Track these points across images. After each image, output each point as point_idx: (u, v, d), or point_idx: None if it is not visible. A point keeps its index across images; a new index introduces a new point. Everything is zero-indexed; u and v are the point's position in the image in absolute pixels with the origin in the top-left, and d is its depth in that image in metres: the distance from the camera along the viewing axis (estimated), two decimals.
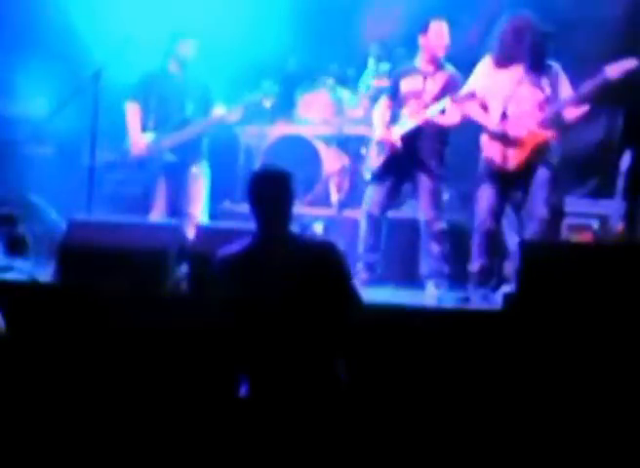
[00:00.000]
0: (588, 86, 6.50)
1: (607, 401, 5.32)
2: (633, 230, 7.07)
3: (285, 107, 8.92)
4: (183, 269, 6.07)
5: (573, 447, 5.30)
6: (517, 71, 6.72)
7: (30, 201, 7.86)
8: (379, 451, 5.30)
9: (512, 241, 6.80)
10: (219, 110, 7.59)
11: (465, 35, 7.67)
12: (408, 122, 7.09)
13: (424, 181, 7.03)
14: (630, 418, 5.29)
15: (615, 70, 6.38)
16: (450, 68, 7.08)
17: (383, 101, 7.32)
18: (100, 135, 7.18)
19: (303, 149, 8.49)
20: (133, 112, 7.54)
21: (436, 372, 5.49)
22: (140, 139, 7.50)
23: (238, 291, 4.35)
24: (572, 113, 6.65)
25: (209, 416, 5.40)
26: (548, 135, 6.70)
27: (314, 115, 8.85)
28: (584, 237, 7.26)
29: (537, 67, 6.69)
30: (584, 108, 6.63)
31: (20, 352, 5.57)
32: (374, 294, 6.47)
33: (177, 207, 7.56)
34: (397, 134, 7.10)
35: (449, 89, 6.95)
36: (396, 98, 7.22)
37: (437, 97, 6.97)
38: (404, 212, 7.76)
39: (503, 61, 6.75)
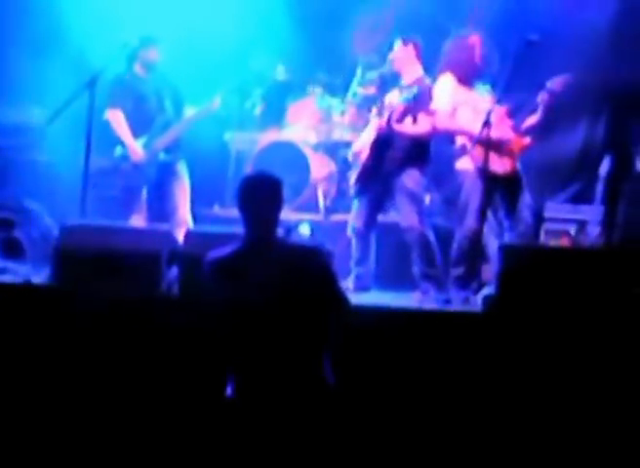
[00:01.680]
0: (541, 97, 6.85)
1: (584, 399, 5.42)
2: (610, 234, 7.24)
3: (274, 115, 9.07)
4: (174, 272, 6.14)
5: (551, 444, 5.40)
6: (479, 85, 7.01)
7: (26, 206, 7.88)
8: (363, 451, 5.37)
9: (492, 245, 6.93)
10: (191, 110, 7.67)
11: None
12: (370, 132, 7.23)
13: (400, 191, 7.07)
14: (607, 416, 5.40)
15: (555, 83, 6.83)
16: (427, 80, 7.13)
17: (373, 123, 7.33)
18: (93, 141, 7.15)
19: (292, 155, 8.59)
20: (118, 120, 7.53)
21: (417, 373, 5.57)
22: (136, 146, 7.53)
23: (226, 294, 4.39)
24: (529, 122, 6.97)
25: (196, 416, 5.48)
26: (529, 140, 6.95)
27: (303, 122, 8.98)
28: (562, 242, 7.39)
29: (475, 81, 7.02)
30: (536, 118, 6.92)
31: (14, 353, 5.73)
32: (358, 297, 6.56)
33: (161, 209, 7.61)
34: (366, 145, 7.24)
35: (421, 100, 7.00)
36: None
37: (409, 109, 7.04)
38: (392, 216, 7.73)
39: (464, 77, 6.98)
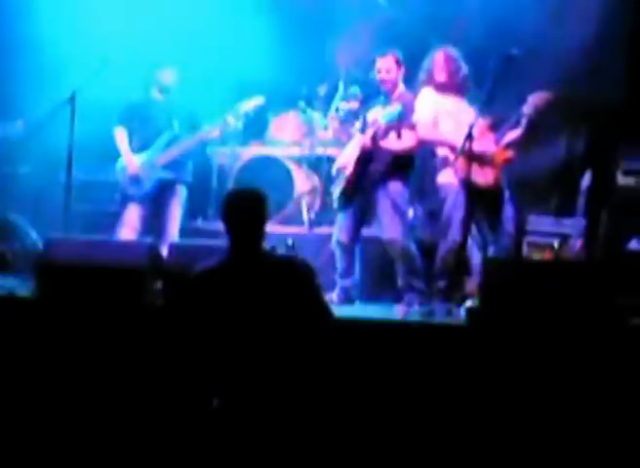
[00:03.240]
0: (523, 113, 6.93)
1: (568, 410, 5.47)
2: (591, 247, 7.31)
3: (257, 129, 9.09)
4: (158, 285, 6.17)
5: (530, 453, 5.44)
6: (457, 99, 7.09)
7: (10, 219, 7.96)
8: (349, 461, 5.40)
9: (476, 258, 7.01)
10: (207, 127, 7.83)
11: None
12: (354, 148, 7.27)
13: (383, 204, 7.12)
14: (587, 425, 5.44)
15: (536, 99, 6.90)
16: (408, 95, 7.20)
17: (356, 137, 7.38)
18: (78, 154, 7.29)
19: (275, 169, 8.65)
20: (120, 136, 7.79)
21: (400, 384, 5.61)
22: (133, 159, 7.73)
23: (209, 306, 4.43)
24: (510, 136, 7.04)
25: (179, 427, 5.45)
26: (512, 153, 7.02)
27: (286, 136, 9.03)
28: (545, 255, 7.45)
29: (465, 96, 7.10)
30: (520, 132, 7.00)
31: None
32: (342, 310, 6.60)
33: (153, 224, 7.73)
34: (350, 160, 7.26)
35: (405, 116, 7.05)
36: (365, 132, 7.28)
37: (392, 125, 7.08)
38: (375, 229, 7.70)
39: (444, 90, 7.08)
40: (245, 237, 4.46)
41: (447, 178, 7.03)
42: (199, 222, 8.64)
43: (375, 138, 7.08)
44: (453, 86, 7.10)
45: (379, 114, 7.16)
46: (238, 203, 4.51)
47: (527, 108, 6.91)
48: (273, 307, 4.39)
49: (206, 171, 8.90)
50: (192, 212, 8.51)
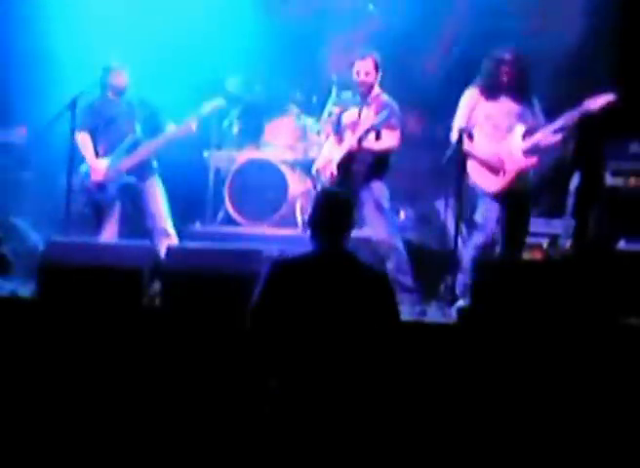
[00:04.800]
0: (570, 117, 6.89)
1: (555, 408, 5.54)
2: (580, 247, 7.40)
3: (252, 133, 9.21)
4: (157, 286, 6.26)
5: (521, 451, 5.51)
6: (506, 102, 7.10)
7: (12, 222, 8.06)
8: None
9: (466, 257, 7.03)
10: (171, 127, 7.78)
11: (429, 61, 7.98)
12: (337, 151, 7.38)
13: (368, 204, 7.24)
14: (576, 423, 5.52)
15: (594, 103, 6.78)
16: (384, 97, 7.33)
17: (331, 138, 7.56)
18: (76, 160, 7.43)
19: (270, 173, 8.74)
20: (84, 141, 7.67)
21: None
22: (97, 165, 7.65)
23: (288, 296, 4.48)
24: (548, 140, 7.00)
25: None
26: (531, 162, 7.04)
27: (280, 141, 9.11)
28: (535, 255, 7.55)
29: (521, 98, 7.10)
30: (559, 136, 6.99)
31: None
32: None
33: (140, 225, 7.70)
34: (333, 163, 7.36)
35: (381, 117, 7.18)
36: (339, 133, 7.48)
37: (371, 126, 7.20)
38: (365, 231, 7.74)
39: (492, 93, 7.10)
40: (335, 236, 4.56)
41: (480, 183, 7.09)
42: (196, 225, 8.74)
43: (360, 141, 7.22)
44: (507, 88, 7.06)
45: (353, 116, 7.33)
46: (334, 204, 4.62)
47: (574, 112, 6.83)
48: (351, 304, 4.46)
49: (203, 174, 9.01)
50: (190, 215, 8.61)
